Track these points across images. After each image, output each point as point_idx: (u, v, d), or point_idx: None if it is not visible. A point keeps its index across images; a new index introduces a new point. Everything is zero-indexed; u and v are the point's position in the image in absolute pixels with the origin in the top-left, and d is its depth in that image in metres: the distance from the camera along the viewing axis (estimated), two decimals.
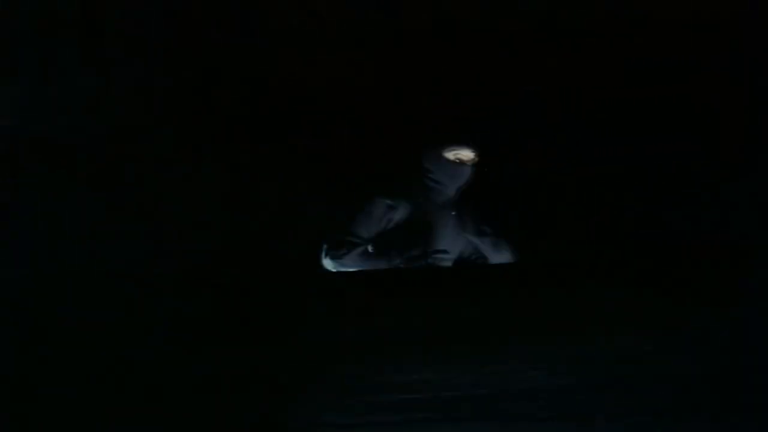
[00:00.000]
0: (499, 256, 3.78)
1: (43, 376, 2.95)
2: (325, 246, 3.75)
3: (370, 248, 3.71)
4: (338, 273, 3.68)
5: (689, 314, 2.95)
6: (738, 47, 4.31)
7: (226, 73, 4.44)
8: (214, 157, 4.43)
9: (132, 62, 4.37)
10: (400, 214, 3.74)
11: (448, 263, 3.71)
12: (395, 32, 4.39)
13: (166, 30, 4.37)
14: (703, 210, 4.30)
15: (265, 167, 4.44)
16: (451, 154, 3.76)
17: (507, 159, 4.23)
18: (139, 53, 4.38)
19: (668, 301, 2.97)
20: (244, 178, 4.44)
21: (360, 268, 3.67)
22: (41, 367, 2.97)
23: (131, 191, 4.36)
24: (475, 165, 3.76)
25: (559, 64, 4.39)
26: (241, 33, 4.42)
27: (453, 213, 3.76)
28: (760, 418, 2.77)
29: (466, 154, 3.75)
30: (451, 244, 3.73)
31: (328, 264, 3.73)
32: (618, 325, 2.91)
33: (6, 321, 3.05)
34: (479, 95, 4.32)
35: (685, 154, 4.33)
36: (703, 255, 3.41)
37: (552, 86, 4.40)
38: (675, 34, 4.31)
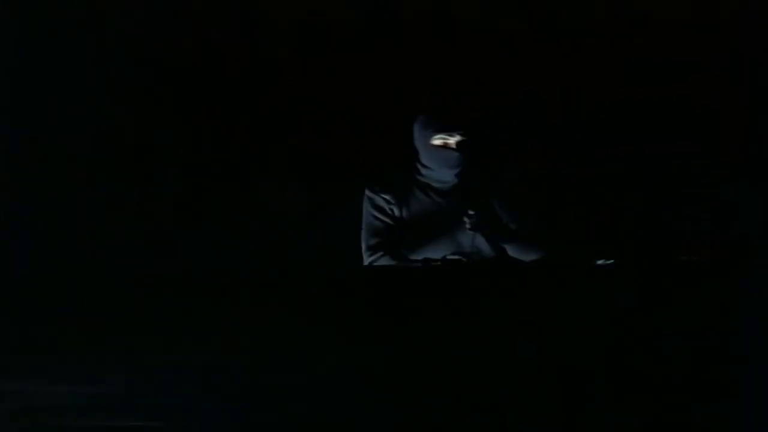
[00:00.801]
0: (516, 253, 3.76)
1: (43, 377, 2.94)
2: (367, 253, 3.74)
3: (400, 248, 3.71)
4: None
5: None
6: (738, 47, 4.32)
7: (225, 72, 4.44)
8: (213, 156, 4.43)
9: (132, 62, 4.38)
10: (404, 206, 3.74)
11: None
12: (395, 32, 4.40)
13: (166, 30, 4.37)
14: (703, 210, 4.30)
15: (265, 167, 4.44)
16: (437, 140, 3.75)
17: (506, 159, 4.23)
18: (139, 53, 4.38)
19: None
20: (243, 178, 4.44)
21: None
22: (41, 367, 2.97)
23: (131, 191, 4.36)
24: (463, 150, 3.72)
25: (559, 64, 4.39)
26: (241, 33, 4.42)
27: (472, 215, 3.73)
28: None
29: (452, 139, 3.74)
30: (466, 241, 3.72)
31: None
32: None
33: (6, 321, 3.05)
34: (479, 95, 4.33)
35: (685, 154, 4.33)
36: (703, 255, 3.41)
37: (552, 86, 4.40)
38: (675, 34, 4.32)
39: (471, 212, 3.69)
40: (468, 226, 3.69)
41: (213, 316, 2.93)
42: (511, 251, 3.74)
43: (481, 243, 3.73)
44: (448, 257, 3.71)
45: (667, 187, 4.38)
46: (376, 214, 3.75)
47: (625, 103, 4.39)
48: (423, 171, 3.76)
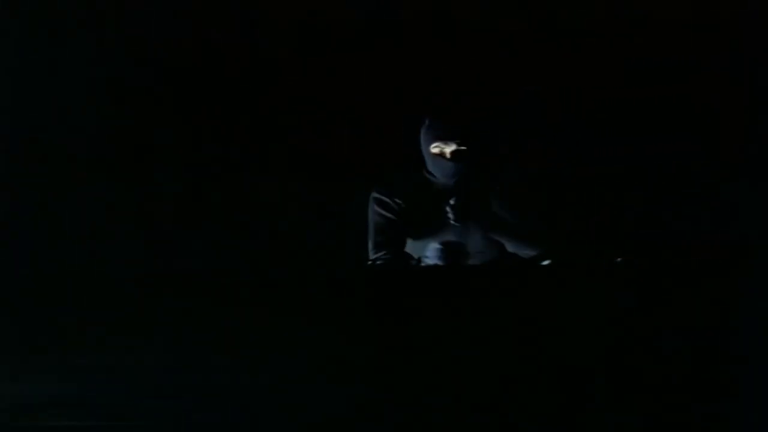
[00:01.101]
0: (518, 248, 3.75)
1: (43, 377, 2.95)
2: (373, 251, 3.75)
3: (406, 251, 3.72)
4: None
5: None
6: (738, 47, 4.32)
7: (225, 72, 4.44)
8: (213, 156, 4.43)
9: (132, 62, 4.38)
10: (408, 205, 3.74)
11: (437, 263, 3.71)
12: (395, 32, 4.40)
13: (166, 30, 4.38)
14: (703, 210, 4.30)
15: (265, 167, 4.44)
16: (434, 148, 3.75)
17: (506, 159, 4.23)
18: (139, 53, 4.38)
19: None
20: (243, 178, 4.44)
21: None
22: (41, 367, 2.97)
23: (131, 191, 4.36)
24: (459, 159, 3.72)
25: (559, 64, 4.39)
26: (241, 33, 4.42)
27: (453, 205, 3.72)
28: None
29: (448, 148, 3.73)
30: (461, 237, 3.72)
31: None
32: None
33: (6, 321, 3.05)
34: (479, 95, 4.33)
35: (685, 154, 4.34)
36: (703, 255, 3.41)
37: (552, 86, 4.40)
38: (675, 34, 4.32)
39: (452, 202, 3.69)
40: (450, 216, 3.69)
41: (213, 316, 2.93)
42: (510, 247, 3.75)
43: (477, 240, 3.74)
44: (442, 252, 3.71)
45: (667, 187, 4.38)
46: (383, 212, 3.75)
47: (625, 103, 4.39)
48: (427, 175, 3.78)
